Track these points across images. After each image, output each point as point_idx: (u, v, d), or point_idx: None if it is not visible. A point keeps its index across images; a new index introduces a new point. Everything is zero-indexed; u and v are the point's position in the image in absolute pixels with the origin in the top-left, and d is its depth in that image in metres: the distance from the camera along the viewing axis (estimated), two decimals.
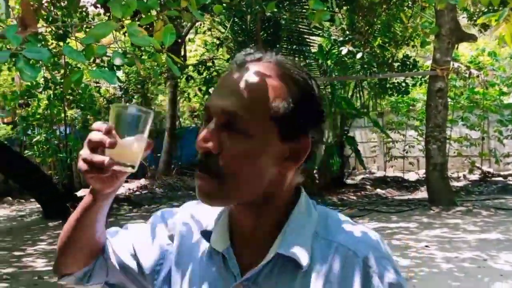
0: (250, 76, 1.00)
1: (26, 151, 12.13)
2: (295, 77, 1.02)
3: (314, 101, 1.03)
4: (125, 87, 10.46)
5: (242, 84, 0.98)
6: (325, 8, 4.35)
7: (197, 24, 11.42)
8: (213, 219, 1.13)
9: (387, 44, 10.29)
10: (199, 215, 1.18)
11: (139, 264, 1.20)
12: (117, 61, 3.51)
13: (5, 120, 14.63)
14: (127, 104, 1.06)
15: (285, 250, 1.00)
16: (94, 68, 3.38)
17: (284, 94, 0.99)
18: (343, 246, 1.02)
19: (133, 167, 1.04)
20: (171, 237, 1.19)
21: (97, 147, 1.00)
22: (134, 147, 1.04)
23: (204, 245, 1.12)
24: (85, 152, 1.00)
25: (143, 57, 8.69)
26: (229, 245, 1.07)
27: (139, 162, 1.06)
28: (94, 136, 1.00)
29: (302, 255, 1.00)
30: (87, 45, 3.45)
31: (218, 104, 0.98)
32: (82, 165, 1.01)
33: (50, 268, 7.00)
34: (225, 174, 0.97)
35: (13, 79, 12.95)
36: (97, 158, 0.99)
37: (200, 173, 1.00)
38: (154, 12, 2.78)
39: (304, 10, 10.33)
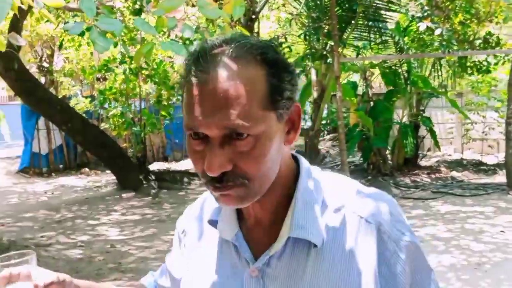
0: (224, 78, 0.90)
1: (102, 124, 12.50)
2: (262, 52, 0.94)
3: (286, 67, 0.97)
4: None
5: (222, 93, 0.90)
6: None
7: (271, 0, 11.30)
8: (216, 208, 1.11)
9: (468, 21, 9.80)
10: (207, 205, 1.17)
11: (177, 284, 1.22)
12: (187, 34, 3.50)
13: (84, 94, 15.13)
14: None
15: (297, 233, 0.99)
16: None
17: (262, 76, 0.93)
18: (354, 213, 1.01)
19: None
20: (182, 245, 1.23)
21: None
22: None
23: (214, 235, 1.12)
24: None
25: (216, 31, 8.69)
26: (238, 231, 1.06)
27: None
28: None
29: (315, 236, 0.99)
30: (158, 18, 3.44)
31: (211, 122, 0.91)
32: None
33: (123, 237, 7.24)
34: (249, 179, 0.94)
35: (92, 53, 13.32)
36: None
37: (220, 188, 0.95)
38: None
39: None
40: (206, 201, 1.19)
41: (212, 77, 0.90)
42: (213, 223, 1.10)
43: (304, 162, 1.07)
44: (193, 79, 0.92)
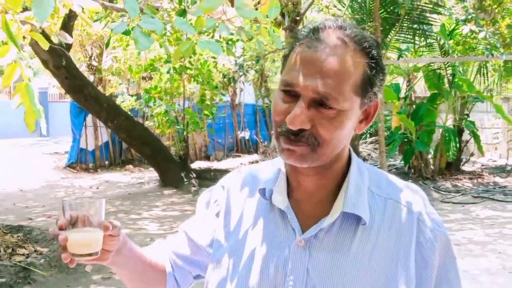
0: (333, 53, 1.05)
1: (147, 122, 12.80)
2: (369, 46, 1.09)
3: (382, 67, 1.11)
4: (240, 63, 10.67)
5: (328, 64, 1.03)
6: None
7: (315, 1, 11.34)
8: (268, 178, 1.20)
9: None
10: (252, 175, 1.27)
11: (200, 251, 1.30)
12: (224, 33, 3.63)
13: (131, 92, 15.51)
14: (75, 199, 1.13)
15: (350, 209, 1.09)
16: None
17: (362, 66, 1.07)
18: (398, 202, 1.14)
19: (90, 255, 1.13)
20: (217, 214, 1.28)
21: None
22: (86, 238, 1.12)
23: (260, 202, 1.20)
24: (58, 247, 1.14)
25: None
26: (288, 203, 1.14)
27: (99, 247, 1.14)
28: (52, 232, 1.14)
29: (364, 213, 1.10)
30: (197, 18, 3.59)
31: (309, 85, 1.03)
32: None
33: (162, 231, 7.44)
34: (319, 143, 1.05)
35: (139, 53, 13.64)
36: (63, 256, 1.12)
37: (292, 141, 1.06)
38: None
39: None
40: (249, 174, 1.28)
41: (324, 48, 1.05)
42: (264, 192, 1.18)
43: (353, 153, 1.19)
44: (308, 44, 1.07)
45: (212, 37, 8.29)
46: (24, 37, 2.70)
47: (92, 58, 14.53)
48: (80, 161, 14.00)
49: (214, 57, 12.10)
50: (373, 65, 1.08)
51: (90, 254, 1.13)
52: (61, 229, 1.11)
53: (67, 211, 1.13)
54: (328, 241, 1.10)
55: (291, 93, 1.06)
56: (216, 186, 1.33)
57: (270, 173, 1.21)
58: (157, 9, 4.78)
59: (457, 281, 1.16)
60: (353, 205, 1.09)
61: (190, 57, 10.46)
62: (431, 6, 10.77)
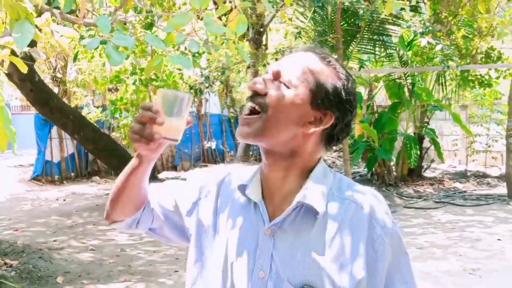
0: (305, 56, 1.31)
1: (113, 133, 12.80)
2: (338, 69, 1.32)
3: (344, 91, 1.30)
4: (206, 74, 10.79)
5: (297, 60, 1.31)
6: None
7: (278, 14, 11.57)
8: (248, 176, 1.38)
9: (471, 35, 10.04)
10: (238, 173, 1.45)
11: (178, 213, 1.48)
12: (194, 49, 3.78)
13: (96, 104, 15.46)
14: (172, 90, 1.30)
15: (305, 199, 1.25)
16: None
17: (324, 77, 1.29)
18: (353, 201, 1.29)
19: (176, 140, 1.30)
20: (200, 192, 1.46)
21: (146, 123, 1.27)
22: (177, 124, 1.29)
23: (240, 196, 1.38)
24: (136, 126, 1.28)
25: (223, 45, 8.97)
26: (261, 197, 1.33)
27: (181, 135, 1.31)
28: (146, 114, 1.26)
29: (319, 204, 1.25)
30: (167, 33, 3.74)
31: (276, 66, 1.31)
32: (133, 136, 1.29)
33: (132, 242, 7.49)
34: (268, 108, 1.26)
35: (104, 64, 13.65)
36: (148, 131, 1.26)
37: (245, 116, 1.29)
38: (228, 3, 3.01)
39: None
40: (231, 174, 1.46)
41: (297, 53, 1.34)
42: (243, 188, 1.35)
43: (323, 162, 1.36)
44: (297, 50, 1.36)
45: (178, 49, 8.42)
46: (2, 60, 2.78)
47: (57, 70, 14.45)
48: (46, 173, 13.89)
49: (179, 69, 12.20)
50: (335, 84, 1.29)
51: (175, 140, 1.30)
52: (155, 112, 1.26)
53: (166, 99, 1.28)
54: (290, 230, 1.26)
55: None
56: (216, 174, 1.50)
57: (251, 172, 1.39)
58: (125, 23, 4.90)
59: (409, 275, 1.29)
60: (308, 197, 1.25)
61: None
62: (390, 18, 11.10)
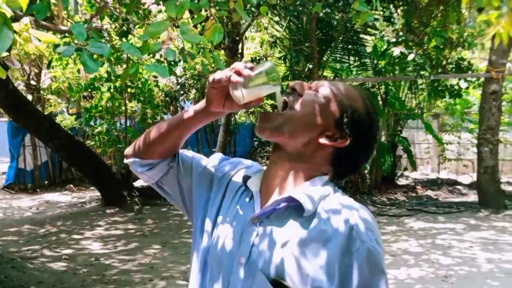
0: (337, 89, 1.40)
1: (88, 141, 12.71)
2: (362, 104, 1.41)
3: (365, 124, 1.39)
4: (182, 82, 10.82)
5: (338, 83, 1.44)
6: (370, 10, 4.50)
7: (254, 22, 11.65)
8: (255, 170, 1.48)
9: (442, 45, 10.23)
10: (252, 166, 1.56)
11: (193, 189, 1.55)
12: (170, 57, 3.81)
13: (70, 111, 15.33)
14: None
15: (296, 195, 1.31)
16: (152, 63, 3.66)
17: (357, 105, 1.39)
18: (341, 212, 1.31)
19: (247, 105, 1.34)
20: (220, 180, 1.54)
21: (239, 73, 1.29)
22: (259, 91, 1.32)
23: (242, 186, 1.46)
24: (227, 72, 1.30)
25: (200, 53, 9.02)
26: (259, 190, 1.40)
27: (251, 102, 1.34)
28: (240, 66, 1.31)
29: (308, 203, 1.31)
30: (144, 42, 3.77)
31: (319, 83, 1.44)
32: (221, 75, 1.30)
33: (106, 251, 7.44)
34: (296, 107, 1.35)
35: (78, 71, 13.57)
36: (236, 77, 1.28)
37: (266, 113, 1.40)
38: (204, 12, 3.04)
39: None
40: (250, 168, 1.54)
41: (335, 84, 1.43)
42: (246, 178, 1.43)
43: (327, 177, 1.40)
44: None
45: (153, 57, 8.43)
46: None
47: (30, 77, 14.30)
48: (19, 181, 13.69)
49: (155, 76, 12.20)
50: (356, 118, 1.38)
51: (247, 104, 1.34)
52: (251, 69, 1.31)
53: (263, 67, 1.33)
54: (276, 223, 1.32)
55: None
56: (240, 162, 1.59)
57: (259, 168, 1.52)
58: (100, 31, 4.90)
59: None
60: (300, 196, 1.31)
61: None
62: (364, 28, 11.27)
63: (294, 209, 1.32)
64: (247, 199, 1.42)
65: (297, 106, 1.36)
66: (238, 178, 1.50)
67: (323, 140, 1.35)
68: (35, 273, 6.26)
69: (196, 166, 1.56)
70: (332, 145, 1.36)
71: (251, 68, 1.31)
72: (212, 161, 1.59)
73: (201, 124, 1.50)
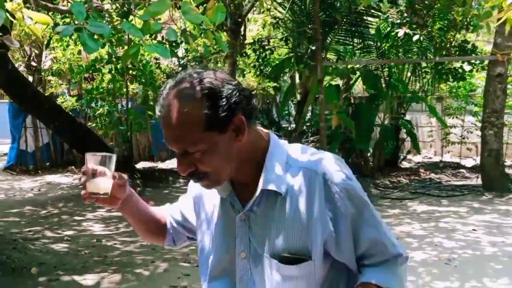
0: (170, 115, 1.31)
1: (89, 123, 12.67)
2: (200, 93, 1.31)
3: (217, 97, 1.32)
4: (183, 64, 10.73)
5: (170, 126, 1.32)
6: None
7: (257, 4, 11.53)
8: None
9: (446, 28, 10.10)
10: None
11: (190, 222, 1.70)
12: (172, 37, 3.73)
13: (72, 93, 15.27)
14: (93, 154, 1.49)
15: (266, 186, 1.39)
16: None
17: (200, 112, 1.30)
18: (307, 168, 1.40)
19: (106, 194, 1.48)
20: (195, 198, 1.65)
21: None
22: (103, 182, 1.46)
23: (217, 197, 1.54)
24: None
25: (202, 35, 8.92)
26: (231, 191, 1.48)
27: (108, 190, 1.48)
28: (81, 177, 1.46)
29: (280, 186, 1.38)
30: (144, 22, 3.69)
31: (173, 145, 1.35)
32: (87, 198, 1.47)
33: (108, 232, 7.43)
34: (209, 174, 1.37)
35: (79, 52, 13.47)
36: (82, 192, 1.47)
37: (196, 180, 1.42)
38: None
39: None
40: None
41: (164, 112, 1.32)
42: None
43: (273, 137, 1.46)
44: (159, 108, 1.35)
45: (155, 38, 8.34)
46: None
47: (31, 58, 14.21)
48: (20, 163, 13.68)
49: (156, 58, 12.10)
50: (207, 103, 1.30)
51: (103, 194, 1.47)
52: (84, 174, 1.44)
53: (89, 162, 1.46)
54: (260, 213, 1.41)
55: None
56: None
57: None
58: (101, 11, 4.82)
59: (375, 219, 1.42)
60: (269, 182, 1.38)
61: None
62: (368, 9, 11.13)
63: (270, 194, 1.40)
64: (226, 203, 1.49)
65: (206, 172, 1.37)
66: (203, 191, 1.58)
67: (240, 141, 1.36)
68: (37, 254, 6.25)
69: (184, 210, 1.71)
70: (229, 136, 1.35)
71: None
72: (188, 193, 1.70)
73: (137, 213, 1.68)
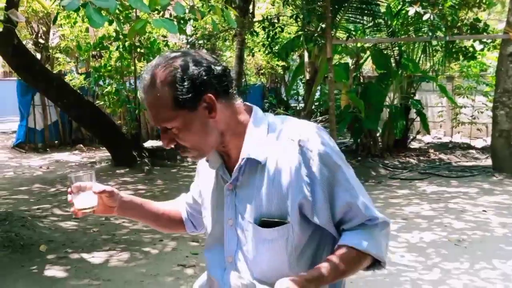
0: (146, 94, 1.47)
1: (97, 101, 12.64)
2: (167, 78, 1.44)
3: (183, 79, 1.43)
4: (192, 41, 10.64)
5: (148, 104, 1.48)
6: None
7: None
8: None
9: (457, 6, 9.92)
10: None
11: (199, 204, 1.81)
12: (179, 12, 3.66)
13: (80, 71, 15.24)
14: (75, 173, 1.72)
15: (247, 155, 1.50)
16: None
17: (168, 94, 1.43)
18: (285, 136, 1.50)
19: (93, 207, 1.69)
20: (199, 179, 1.80)
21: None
22: (87, 197, 1.67)
23: (213, 172, 1.67)
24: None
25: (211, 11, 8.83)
26: (221, 163, 1.61)
27: (94, 203, 1.68)
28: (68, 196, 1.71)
29: (259, 154, 1.50)
30: None
31: (154, 123, 1.52)
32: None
33: None
34: (190, 148, 1.51)
35: (87, 29, 13.41)
36: (71, 209, 1.71)
37: (182, 153, 1.54)
38: None
39: None
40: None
41: (142, 92, 1.49)
42: (206, 161, 1.64)
43: (256, 110, 1.58)
44: (139, 96, 1.56)
45: (163, 15, 8.26)
46: None
47: (39, 35, 14.17)
48: (29, 140, 13.72)
49: (164, 36, 12.01)
50: (175, 85, 1.42)
51: (90, 208, 1.68)
52: (70, 194, 1.68)
53: (72, 182, 1.68)
54: (244, 181, 1.54)
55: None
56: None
57: None
58: None
59: (347, 184, 1.49)
60: (251, 151, 1.50)
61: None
62: None
63: (251, 163, 1.51)
64: (218, 174, 1.63)
65: (187, 147, 1.51)
66: (203, 167, 1.72)
67: (214, 118, 1.47)
68: (46, 232, 6.26)
69: (194, 194, 1.86)
70: (209, 109, 1.46)
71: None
72: (195, 177, 1.84)
73: (139, 214, 1.86)
